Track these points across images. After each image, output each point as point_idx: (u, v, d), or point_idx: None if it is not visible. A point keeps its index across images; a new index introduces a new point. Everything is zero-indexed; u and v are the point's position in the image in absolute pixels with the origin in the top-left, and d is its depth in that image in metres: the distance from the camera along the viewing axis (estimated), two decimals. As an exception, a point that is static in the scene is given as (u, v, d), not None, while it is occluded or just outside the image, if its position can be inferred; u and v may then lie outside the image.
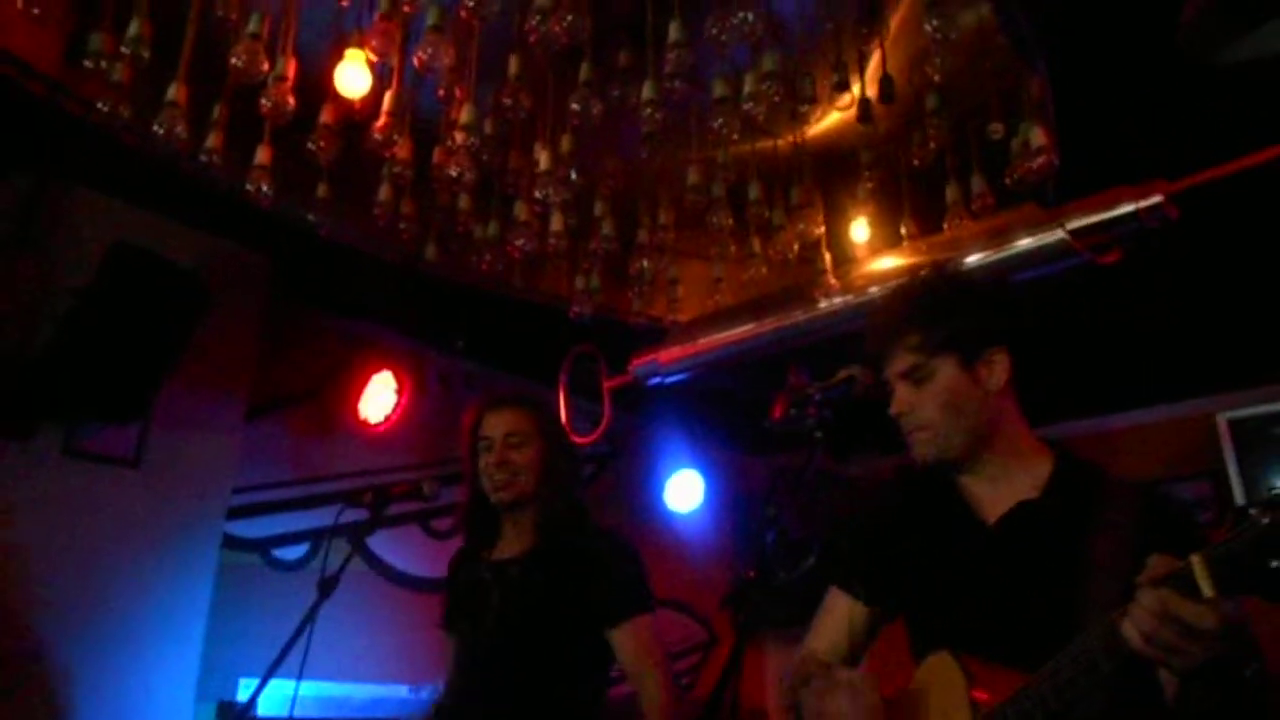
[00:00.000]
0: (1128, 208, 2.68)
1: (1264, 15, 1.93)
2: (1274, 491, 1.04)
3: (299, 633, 2.19)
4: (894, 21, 2.68)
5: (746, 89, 2.29)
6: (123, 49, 2.24)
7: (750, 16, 2.02)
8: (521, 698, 2.22)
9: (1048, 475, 1.63)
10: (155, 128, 2.34)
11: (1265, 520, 1.03)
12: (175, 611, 3.44)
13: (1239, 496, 4.59)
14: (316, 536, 4.05)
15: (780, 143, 2.93)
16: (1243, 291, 3.73)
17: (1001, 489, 1.65)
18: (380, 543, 4.25)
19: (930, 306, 1.72)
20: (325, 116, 2.58)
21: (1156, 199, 2.63)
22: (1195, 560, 1.10)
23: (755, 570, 1.62)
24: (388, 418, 4.29)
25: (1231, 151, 2.55)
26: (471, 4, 1.95)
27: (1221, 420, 4.71)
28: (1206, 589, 1.08)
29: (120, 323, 3.17)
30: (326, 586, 2.43)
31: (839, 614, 1.83)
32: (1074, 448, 1.69)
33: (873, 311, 1.83)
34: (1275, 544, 1.02)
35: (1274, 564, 1.02)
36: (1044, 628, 1.38)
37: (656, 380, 3.87)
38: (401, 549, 4.31)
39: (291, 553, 4.02)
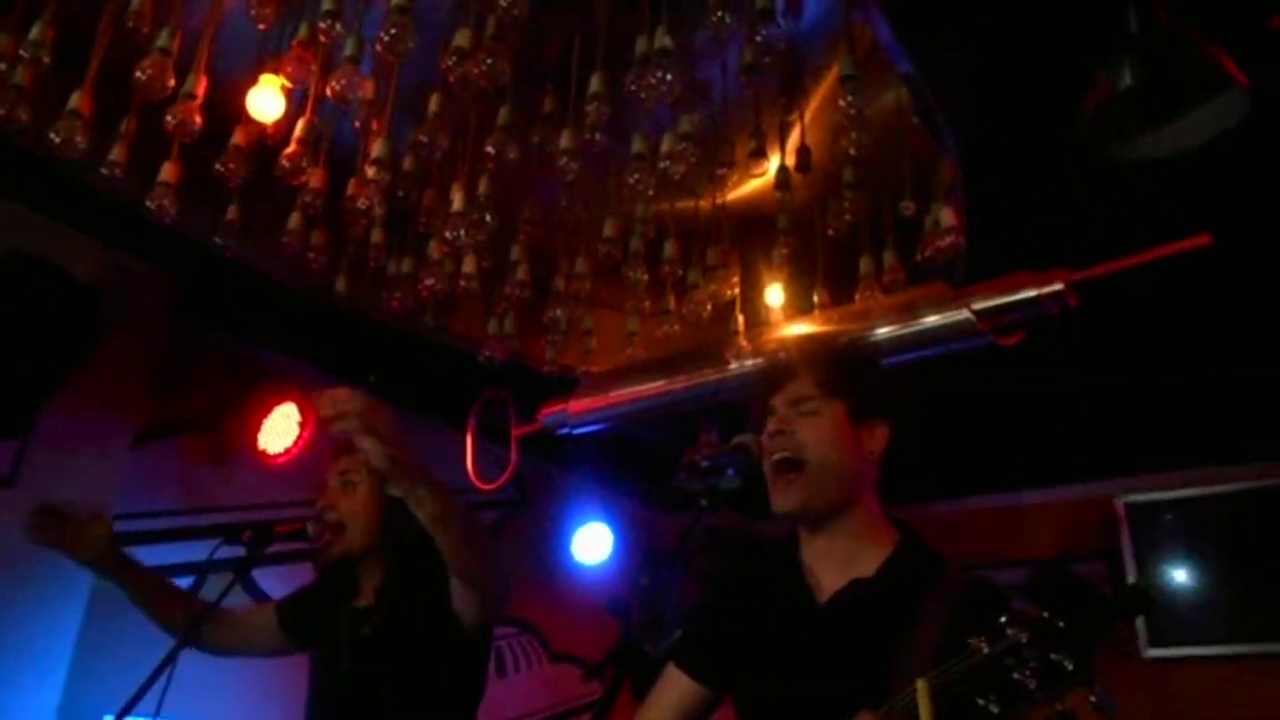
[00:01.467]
0: (1030, 293, 2.75)
1: (1159, 119, 2.00)
2: (1001, 623, 1.02)
3: (161, 669, 2.11)
4: (817, 95, 2.73)
5: (664, 148, 2.30)
6: (22, 52, 2.16)
7: (669, 76, 2.03)
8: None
9: (887, 555, 1.66)
10: (52, 135, 2.26)
11: (985, 649, 1.04)
12: (38, 641, 3.26)
13: (1131, 577, 4.69)
14: (203, 570, 3.89)
15: (700, 203, 2.94)
16: (1142, 381, 3.85)
17: (837, 564, 1.67)
18: (269, 578, 4.10)
19: (831, 355, 1.81)
20: (236, 139, 2.52)
21: (1058, 286, 2.70)
22: (920, 685, 1.11)
23: (621, 637, 1.61)
24: (288, 450, 4.16)
25: (1130, 242, 2.63)
26: (386, 39, 1.93)
27: (1119, 503, 4.83)
28: (926, 715, 1.08)
29: (7, 334, 3.03)
30: (194, 623, 2.35)
31: (674, 691, 1.82)
32: (947, 534, 1.72)
33: (773, 351, 1.87)
34: (984, 680, 1.03)
35: (981, 701, 1.03)
36: (852, 709, 1.38)
37: (566, 430, 3.83)
38: (291, 586, 4.16)
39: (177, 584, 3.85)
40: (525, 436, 3.99)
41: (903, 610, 1.52)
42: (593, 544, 5.37)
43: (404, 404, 4.51)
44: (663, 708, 1.81)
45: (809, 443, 1.66)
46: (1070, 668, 0.98)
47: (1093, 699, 0.97)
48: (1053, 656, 0.99)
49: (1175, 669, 4.41)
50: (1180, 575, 4.61)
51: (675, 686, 1.82)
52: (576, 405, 3.74)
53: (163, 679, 2.07)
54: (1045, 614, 1.00)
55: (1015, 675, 1.00)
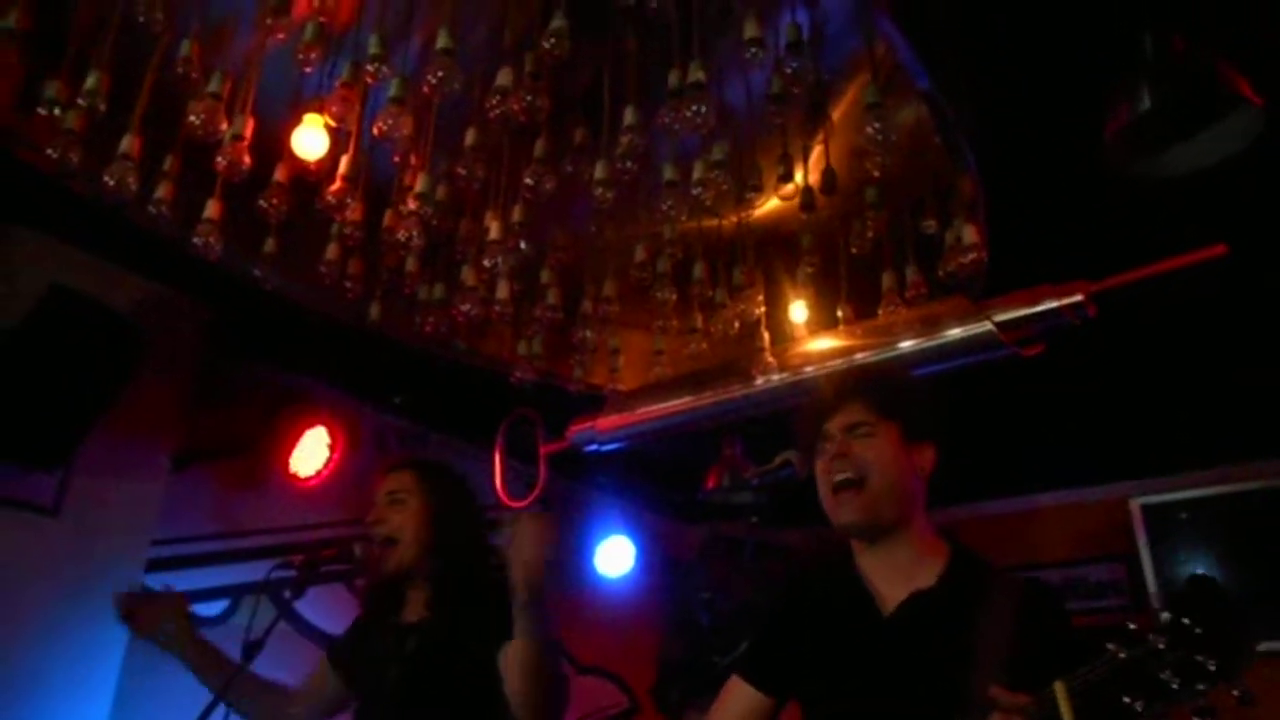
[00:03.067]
0: (1050, 304, 2.82)
1: (1178, 138, 2.08)
2: (1134, 630, 1.09)
3: (220, 696, 2.15)
4: (836, 113, 2.80)
5: (696, 175, 2.38)
6: (79, 100, 2.24)
7: (703, 109, 2.10)
8: None
9: (943, 566, 1.73)
10: (106, 179, 2.33)
11: (1122, 655, 1.09)
12: (86, 666, 3.31)
13: (1150, 579, 4.75)
14: (238, 592, 3.96)
15: (724, 223, 3.01)
16: (1156, 384, 3.91)
17: (898, 577, 1.74)
18: (303, 601, 4.15)
19: (883, 379, 1.90)
20: (279, 175, 2.60)
21: (1077, 297, 2.78)
22: (1058, 688, 1.16)
23: (686, 651, 1.66)
24: (319, 473, 4.23)
25: (1148, 254, 2.71)
26: (434, 81, 2.00)
27: (1134, 505, 4.89)
28: (1067, 716, 1.14)
29: (50, 367, 3.10)
30: (251, 650, 2.40)
31: (739, 702, 1.88)
32: (966, 539, 1.79)
33: (822, 379, 1.93)
34: (1129, 680, 1.08)
35: (1126, 699, 1.08)
36: (930, 716, 1.44)
37: (594, 447, 3.90)
38: (325, 608, 4.21)
39: (212, 608, 3.91)
40: (552, 454, 4.06)
41: (965, 618, 1.59)
42: (615, 557, 5.44)
43: (434, 425, 4.62)
44: (730, 715, 1.87)
45: (869, 462, 1.74)
46: (1213, 668, 1.04)
47: (1236, 693, 1.04)
48: (1197, 658, 1.04)
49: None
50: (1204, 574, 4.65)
51: (741, 697, 1.87)
52: (604, 422, 3.81)
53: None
54: (1184, 620, 1.05)
55: (1159, 675, 1.05)
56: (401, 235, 2.62)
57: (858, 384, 1.85)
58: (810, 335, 3.25)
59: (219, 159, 2.32)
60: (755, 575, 1.85)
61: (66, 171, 2.47)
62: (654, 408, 3.67)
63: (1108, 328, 2.96)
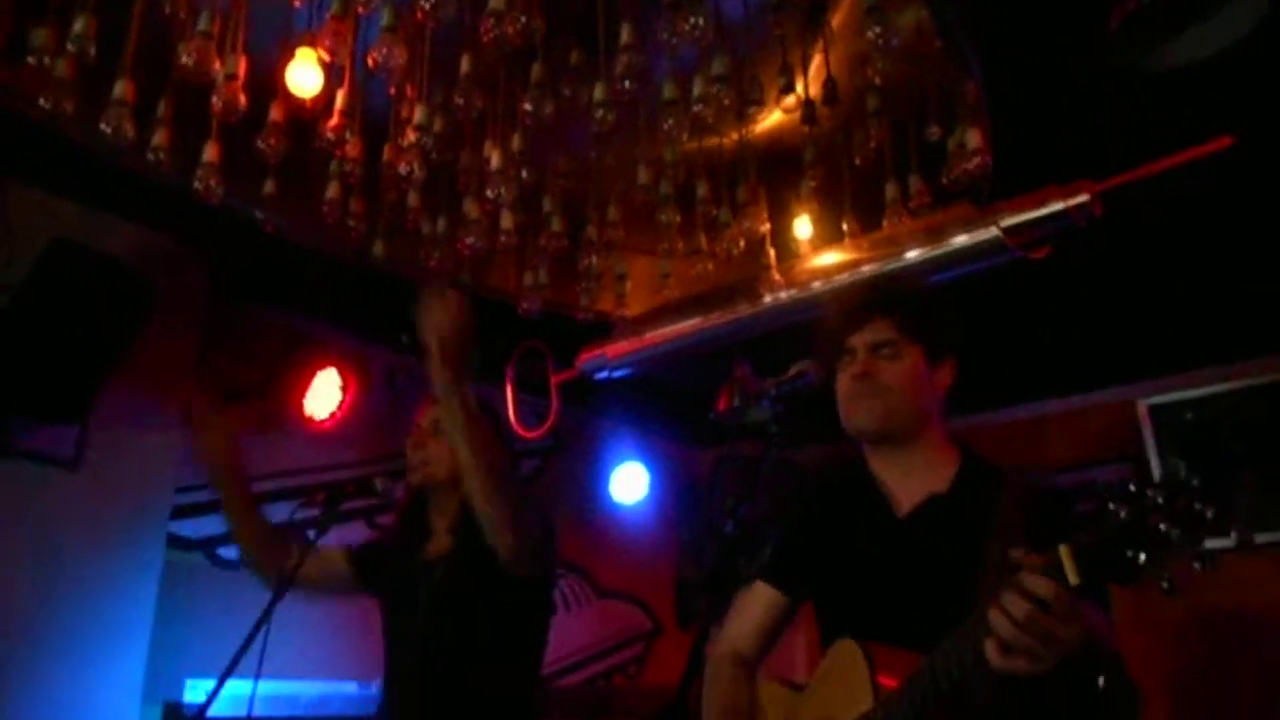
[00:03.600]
0: (1057, 206, 2.80)
1: (1185, 23, 2.05)
2: (1132, 488, 1.12)
3: (255, 632, 2.19)
4: (835, 21, 2.76)
5: (696, 92, 2.35)
6: (68, 46, 2.21)
7: (701, 21, 2.07)
8: (452, 692, 2.27)
9: (955, 470, 1.75)
10: (103, 126, 2.31)
11: (1123, 514, 1.12)
12: (120, 613, 3.39)
13: (1157, 478, 4.79)
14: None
15: (726, 141, 2.99)
16: (1162, 284, 3.91)
17: (913, 481, 1.76)
18: (325, 540, 4.22)
19: (911, 296, 1.88)
20: (274, 114, 2.57)
21: (1084, 198, 2.76)
22: (1063, 550, 1.19)
23: (714, 561, 1.69)
24: (333, 415, 4.26)
25: (1156, 152, 2.69)
26: (427, 6, 1.97)
27: (1142, 406, 4.92)
28: (1073, 576, 1.17)
29: (59, 320, 3.11)
30: (283, 584, 2.45)
31: (759, 604, 1.93)
32: (977, 444, 1.81)
33: (845, 290, 1.93)
34: (1130, 536, 1.11)
35: (1129, 554, 1.11)
36: (945, 615, 1.46)
37: (604, 374, 3.92)
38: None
39: (236, 552, 3.97)
40: (563, 383, 4.08)
41: (979, 518, 1.61)
42: (630, 483, 5.51)
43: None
44: (751, 620, 1.92)
45: (892, 385, 1.74)
46: (1211, 515, 1.06)
47: (1234, 533, 1.07)
48: (1195, 506, 1.07)
49: (1223, 557, 4.52)
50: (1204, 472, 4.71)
51: (762, 599, 1.92)
52: (614, 349, 3.82)
53: (259, 642, 2.14)
54: (1183, 472, 1.08)
55: (1160, 527, 1.08)
56: (402, 169, 2.61)
57: (885, 299, 1.83)
58: (816, 251, 3.25)
59: (214, 100, 2.29)
60: (772, 492, 1.87)
61: (62, 122, 2.45)
62: (663, 331, 3.68)
63: (1111, 229, 2.95)
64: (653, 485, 5.57)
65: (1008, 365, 4.75)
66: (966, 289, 3.22)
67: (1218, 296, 4.07)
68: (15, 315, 3.06)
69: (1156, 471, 4.77)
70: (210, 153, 2.60)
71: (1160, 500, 1.09)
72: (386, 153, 2.74)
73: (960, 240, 2.97)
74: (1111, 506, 1.13)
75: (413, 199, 2.94)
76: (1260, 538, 4.39)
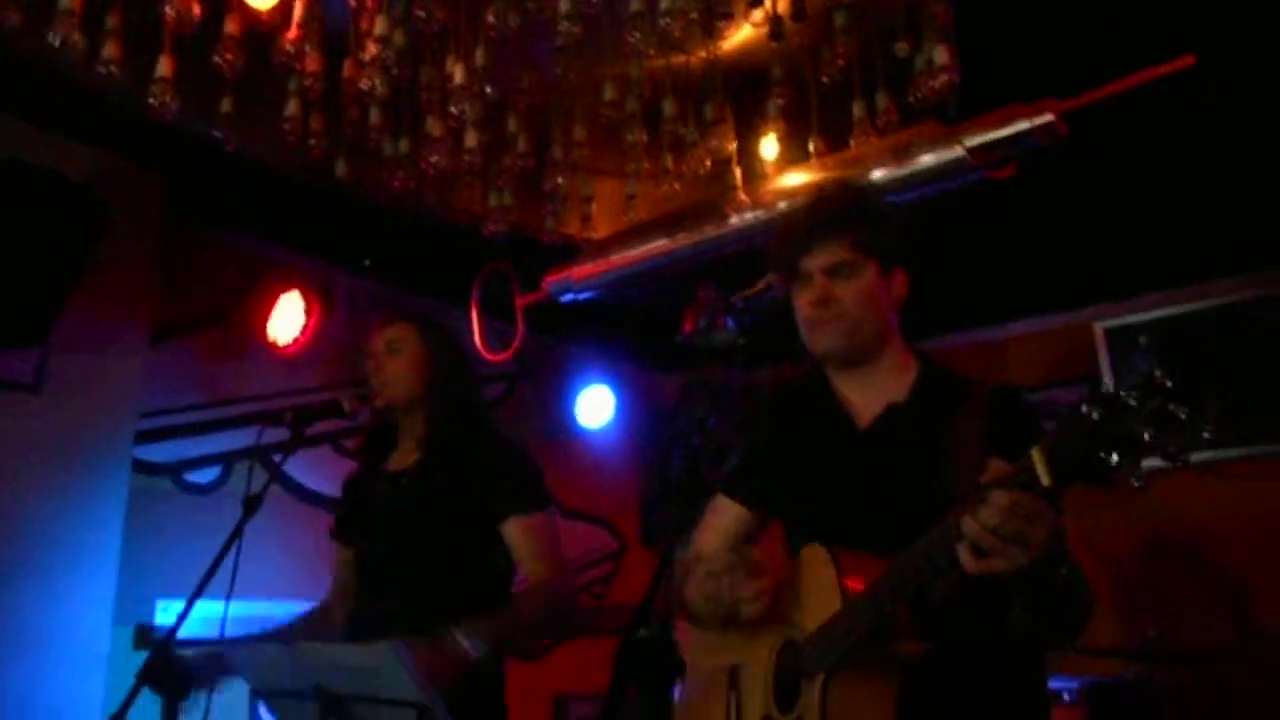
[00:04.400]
0: (1022, 125, 2.82)
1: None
2: (1107, 392, 1.13)
3: (224, 552, 2.18)
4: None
5: (663, 4, 2.32)
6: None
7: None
8: (416, 604, 2.27)
9: (914, 379, 1.79)
10: (50, 38, 2.24)
11: (1094, 415, 1.13)
12: (87, 537, 3.39)
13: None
14: (229, 459, 4.01)
15: (693, 59, 2.96)
16: (1125, 205, 3.96)
17: (873, 393, 1.79)
18: (291, 462, 4.22)
19: (862, 213, 1.86)
20: (230, 27, 2.50)
21: (1048, 117, 2.77)
22: (1035, 453, 1.20)
23: (680, 471, 1.72)
24: (296, 339, 4.23)
25: (1120, 71, 2.70)
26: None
27: (1098, 328, 5.02)
28: (1045, 478, 1.19)
29: (14, 242, 3.05)
30: (251, 504, 2.44)
31: (726, 518, 1.96)
32: (937, 356, 1.84)
33: (796, 211, 1.92)
34: (1102, 436, 1.12)
35: (1102, 455, 1.13)
36: (908, 520, 1.48)
37: (570, 297, 3.92)
38: (311, 468, 4.29)
39: (203, 476, 3.98)
40: (528, 307, 4.08)
41: (938, 427, 1.65)
42: (595, 407, 5.54)
43: (407, 285, 4.61)
44: (718, 532, 1.95)
45: (852, 307, 1.75)
46: (1184, 416, 1.08)
47: (1206, 434, 1.10)
48: (1169, 407, 1.08)
49: (1156, 478, 4.68)
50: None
51: (728, 513, 1.96)
52: (580, 271, 3.82)
53: (229, 563, 2.14)
54: (1155, 373, 1.09)
55: (1133, 429, 1.10)
56: (363, 84, 2.56)
57: (838, 219, 1.81)
58: (781, 171, 3.24)
59: (166, 9, 2.22)
60: (737, 407, 1.89)
61: (8, 33, 2.36)
62: (629, 253, 3.68)
63: (1069, 153, 2.97)
64: (618, 409, 5.60)
65: (970, 290, 4.82)
66: (930, 211, 3.25)
67: (1176, 218, 4.12)
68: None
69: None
70: (164, 67, 2.53)
71: (1134, 401, 1.10)
72: (347, 68, 2.68)
73: (925, 159, 2.98)
74: (1084, 409, 1.14)
75: (375, 116, 2.89)
76: (1219, 455, 4.54)
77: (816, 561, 1.64)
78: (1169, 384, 1.09)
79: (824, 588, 1.59)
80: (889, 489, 1.67)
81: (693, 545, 1.95)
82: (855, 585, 1.54)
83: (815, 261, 1.77)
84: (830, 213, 1.84)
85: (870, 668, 1.51)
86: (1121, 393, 1.12)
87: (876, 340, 1.79)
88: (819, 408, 1.85)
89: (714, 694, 1.76)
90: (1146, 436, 1.09)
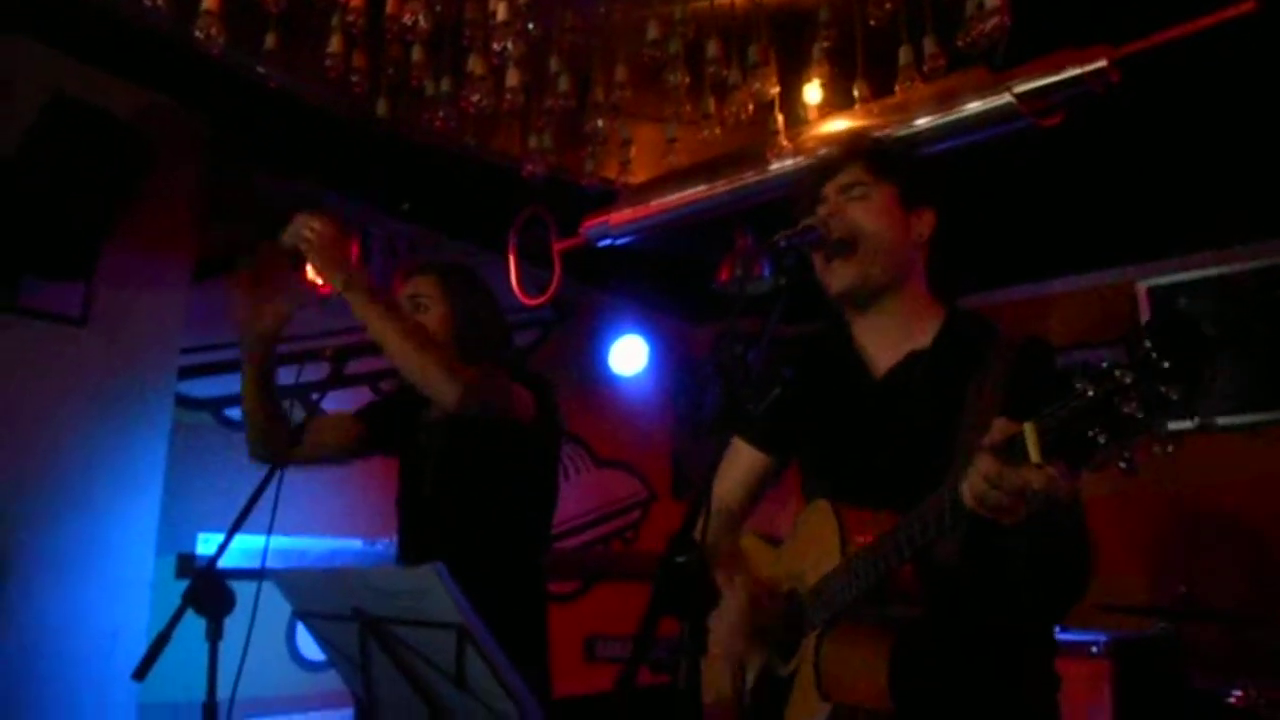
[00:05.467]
0: (1073, 71, 2.75)
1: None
2: (1104, 364, 1.11)
3: (263, 487, 2.18)
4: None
5: (710, -59, 2.28)
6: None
7: None
8: (464, 550, 2.29)
9: (939, 326, 1.75)
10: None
11: (1090, 393, 1.11)
12: (131, 468, 3.47)
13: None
14: (288, 394, 4.06)
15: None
16: (1162, 165, 3.88)
17: (894, 339, 1.76)
18: (330, 403, 4.28)
19: (880, 142, 1.89)
20: (274, -40, 2.50)
21: (1100, 63, 2.71)
22: (1027, 428, 1.18)
23: (720, 407, 1.72)
24: (335, 280, 4.26)
25: (1176, 17, 2.63)
26: None
27: (1141, 287, 4.95)
28: (1035, 455, 1.17)
29: (60, 176, 3.08)
30: (292, 438, 2.49)
31: (741, 462, 1.97)
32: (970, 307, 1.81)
33: (818, 146, 1.92)
34: (1095, 415, 1.10)
35: (1091, 433, 1.11)
36: (920, 471, 1.48)
37: (607, 242, 3.91)
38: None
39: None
40: (566, 252, 4.08)
41: (961, 377, 1.59)
42: (629, 356, 5.57)
43: (445, 229, 4.62)
44: (735, 476, 1.97)
45: (860, 222, 1.73)
46: (1175, 398, 1.05)
47: (1194, 421, 1.08)
48: (1161, 389, 1.05)
49: (1188, 440, 4.64)
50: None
51: (744, 457, 1.97)
52: (618, 216, 3.80)
53: (269, 498, 2.14)
54: (1152, 353, 1.06)
55: (1125, 408, 1.07)
56: (407, 19, 2.54)
57: (855, 145, 1.83)
58: (825, 117, 3.20)
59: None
60: (772, 355, 1.88)
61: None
62: (668, 198, 3.66)
63: (1117, 103, 2.90)
64: (652, 358, 5.62)
65: (1012, 246, 4.76)
66: (973, 162, 3.20)
67: (1227, 175, 4.04)
68: (17, 171, 3.03)
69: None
70: (210, 1, 2.53)
71: (1128, 381, 1.08)
72: (390, 3, 2.66)
73: (972, 106, 2.92)
74: (1079, 385, 1.12)
75: (417, 54, 2.88)
76: (1254, 418, 4.49)
77: (821, 516, 1.64)
78: (1166, 365, 1.05)
79: (826, 543, 1.59)
80: (903, 440, 1.64)
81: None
82: (859, 541, 1.54)
83: (833, 185, 1.78)
84: (849, 142, 1.86)
85: (867, 624, 1.52)
86: (1116, 371, 1.09)
87: (890, 275, 1.75)
88: (837, 356, 1.84)
89: None
90: (1138, 418, 1.07)
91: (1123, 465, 1.12)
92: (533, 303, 4.09)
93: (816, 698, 1.51)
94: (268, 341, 2.40)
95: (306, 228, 2.25)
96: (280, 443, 2.45)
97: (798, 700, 1.58)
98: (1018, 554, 1.42)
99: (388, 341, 2.18)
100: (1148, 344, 1.07)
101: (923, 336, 1.74)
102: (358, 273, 2.26)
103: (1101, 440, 1.11)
